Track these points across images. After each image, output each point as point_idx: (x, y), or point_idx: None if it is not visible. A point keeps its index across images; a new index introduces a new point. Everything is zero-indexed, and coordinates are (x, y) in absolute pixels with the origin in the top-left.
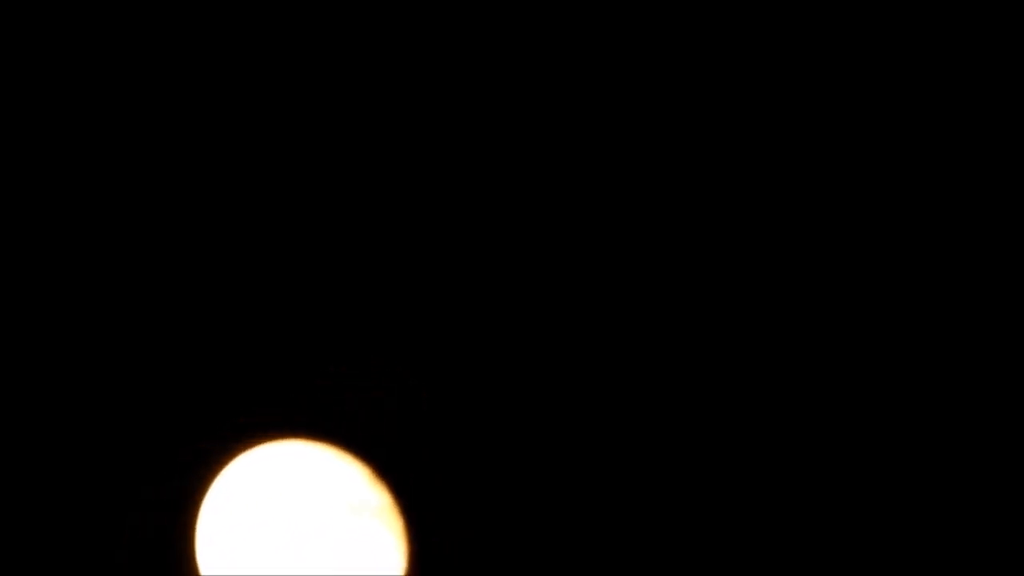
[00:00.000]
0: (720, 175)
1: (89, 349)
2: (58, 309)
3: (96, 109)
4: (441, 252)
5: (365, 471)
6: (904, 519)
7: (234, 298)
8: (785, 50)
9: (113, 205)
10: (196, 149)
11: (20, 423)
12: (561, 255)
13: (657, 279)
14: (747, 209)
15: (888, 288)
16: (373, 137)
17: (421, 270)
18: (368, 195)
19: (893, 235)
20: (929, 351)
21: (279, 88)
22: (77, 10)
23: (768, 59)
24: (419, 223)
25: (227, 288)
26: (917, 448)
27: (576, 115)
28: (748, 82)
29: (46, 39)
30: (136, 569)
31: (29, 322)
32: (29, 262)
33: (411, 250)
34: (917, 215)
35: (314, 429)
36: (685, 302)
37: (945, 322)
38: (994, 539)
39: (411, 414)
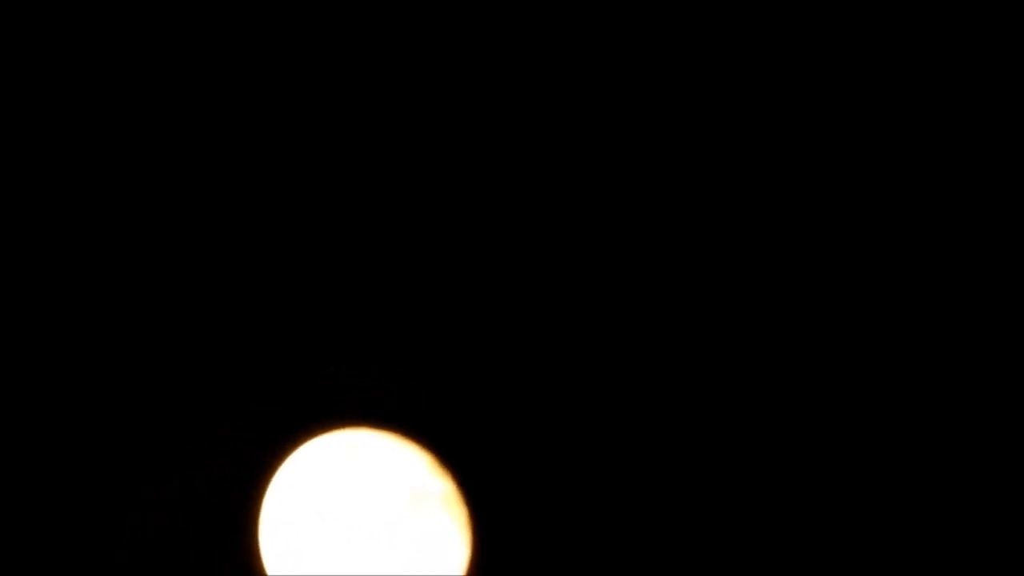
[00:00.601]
0: (720, 175)
1: (148, 347)
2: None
3: (97, 110)
4: (503, 243)
5: (427, 459)
6: (904, 519)
7: (293, 288)
8: (785, 51)
9: (180, 210)
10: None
11: (80, 420)
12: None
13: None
14: (747, 209)
15: (888, 288)
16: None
17: (488, 261)
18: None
19: (893, 235)
20: (929, 351)
21: (282, 88)
22: (77, 10)
23: (768, 59)
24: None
25: (284, 279)
26: (917, 448)
27: (576, 115)
28: (748, 83)
29: (46, 39)
30: (201, 565)
31: (88, 321)
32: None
33: (473, 241)
34: (917, 215)
35: (374, 417)
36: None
37: (945, 322)
38: (994, 539)
39: (474, 400)
